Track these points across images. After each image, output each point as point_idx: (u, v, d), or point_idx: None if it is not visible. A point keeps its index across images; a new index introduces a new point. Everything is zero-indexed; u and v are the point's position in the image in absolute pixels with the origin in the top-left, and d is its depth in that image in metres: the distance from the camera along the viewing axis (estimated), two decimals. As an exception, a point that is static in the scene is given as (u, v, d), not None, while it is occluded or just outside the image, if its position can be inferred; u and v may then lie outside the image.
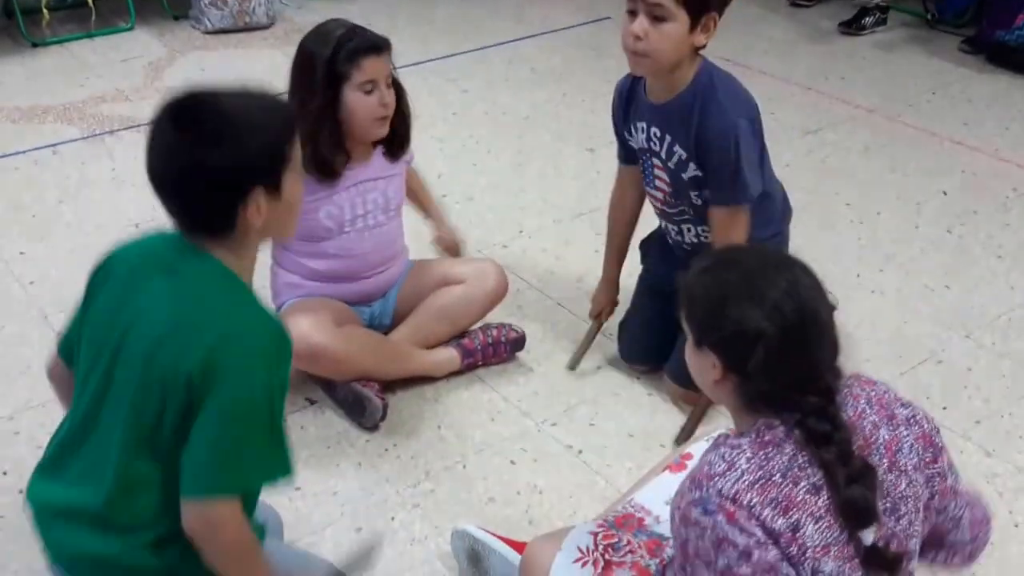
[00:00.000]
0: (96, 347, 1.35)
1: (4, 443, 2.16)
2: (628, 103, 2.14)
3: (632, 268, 2.44)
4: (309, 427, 2.21)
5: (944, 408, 2.32)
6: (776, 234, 2.22)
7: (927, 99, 3.95)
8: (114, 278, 1.38)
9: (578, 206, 3.13)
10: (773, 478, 1.18)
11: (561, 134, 3.56)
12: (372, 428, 2.19)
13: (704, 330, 1.26)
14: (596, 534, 1.56)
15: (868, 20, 4.54)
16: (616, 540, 1.54)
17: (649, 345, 2.36)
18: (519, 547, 1.72)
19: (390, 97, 2.09)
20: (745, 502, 1.16)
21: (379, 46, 2.07)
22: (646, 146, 2.10)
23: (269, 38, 4.37)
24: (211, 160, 1.26)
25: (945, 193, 3.27)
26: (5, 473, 2.08)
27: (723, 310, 1.23)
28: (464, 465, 2.12)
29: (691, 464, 1.53)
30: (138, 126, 3.50)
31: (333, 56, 2.02)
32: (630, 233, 2.37)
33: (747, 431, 1.24)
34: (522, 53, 4.28)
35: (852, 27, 4.55)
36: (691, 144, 2.00)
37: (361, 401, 2.19)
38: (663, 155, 2.06)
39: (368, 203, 2.21)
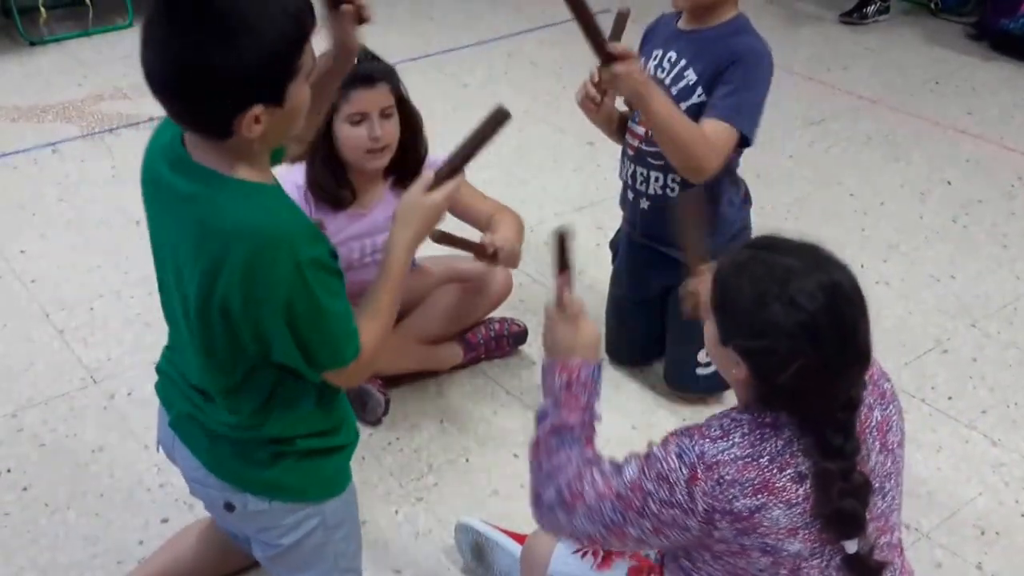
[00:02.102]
0: (165, 269, 1.39)
1: (7, 440, 2.15)
2: (648, 36, 2.13)
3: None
4: (312, 422, 2.21)
5: (950, 398, 2.31)
6: (743, 229, 2.19)
7: (930, 88, 3.93)
8: (150, 201, 1.39)
9: (579, 199, 3.13)
10: (760, 460, 1.17)
11: (561, 127, 3.54)
12: (375, 423, 2.18)
13: (733, 332, 1.20)
14: (595, 524, 1.55)
15: (870, 9, 4.52)
16: (616, 530, 1.53)
17: (634, 348, 2.37)
18: (523, 540, 1.71)
19: (383, 129, 1.97)
20: (716, 475, 1.16)
21: (371, 77, 1.93)
22: (651, 74, 2.05)
23: (269, 34, 4.36)
24: (207, 66, 1.13)
25: (949, 182, 3.26)
26: (9, 470, 2.07)
27: (757, 319, 1.15)
28: (467, 459, 2.11)
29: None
30: (137, 124, 3.50)
31: None
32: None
33: (751, 408, 1.22)
34: (522, 47, 4.27)
35: (853, 16, 4.53)
36: (711, 64, 1.96)
37: (363, 396, 2.18)
38: (668, 81, 2.02)
39: (379, 246, 2.10)
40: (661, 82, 2.04)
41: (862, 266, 2.80)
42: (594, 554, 1.51)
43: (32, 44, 4.19)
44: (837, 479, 1.16)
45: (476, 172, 3.60)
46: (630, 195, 2.21)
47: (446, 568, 1.86)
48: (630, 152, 2.15)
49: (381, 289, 1.42)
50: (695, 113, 1.99)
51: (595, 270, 2.71)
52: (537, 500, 1.32)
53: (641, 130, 2.11)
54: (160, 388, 1.54)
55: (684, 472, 1.17)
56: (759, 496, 1.16)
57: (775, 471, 1.17)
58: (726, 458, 1.17)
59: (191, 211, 1.27)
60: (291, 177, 2.01)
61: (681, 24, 2.07)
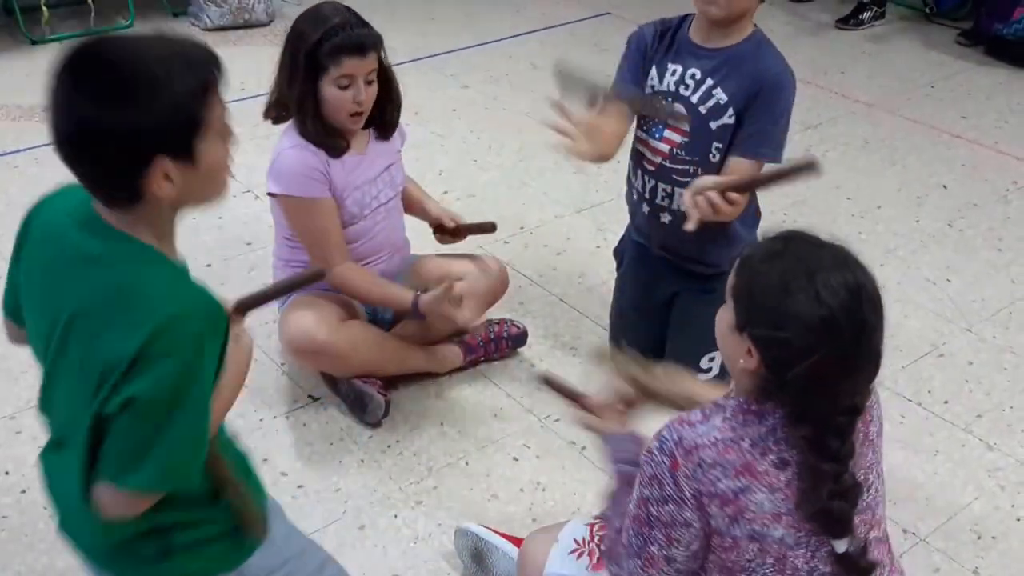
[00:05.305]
0: (41, 339, 1.26)
1: (6, 442, 2.15)
2: (657, 46, 2.07)
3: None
4: (311, 424, 2.21)
5: (945, 402, 2.33)
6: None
7: (926, 93, 3.95)
8: (34, 259, 1.29)
9: (579, 201, 3.13)
10: (741, 443, 1.19)
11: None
12: (375, 425, 2.19)
13: (751, 320, 1.19)
14: (592, 525, 1.56)
15: (866, 15, 4.54)
16: (612, 531, 1.54)
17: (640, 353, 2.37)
18: (521, 544, 1.72)
19: (367, 94, 2.05)
20: (696, 459, 1.19)
21: (364, 47, 2.02)
22: (672, 90, 2.00)
23: (268, 35, 4.35)
24: (104, 121, 1.09)
25: (945, 186, 3.27)
26: (7, 473, 2.08)
27: (779, 309, 1.15)
28: (467, 462, 2.12)
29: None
30: (137, 124, 3.49)
31: (317, 46, 2.00)
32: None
33: (739, 395, 1.23)
34: (522, 48, 4.28)
35: (850, 22, 4.54)
36: (742, 87, 1.95)
37: (363, 398, 2.19)
38: (695, 99, 1.99)
39: (380, 184, 2.22)
40: (685, 99, 1.99)
41: (859, 270, 2.81)
42: (590, 555, 1.52)
43: (34, 43, 4.19)
44: (829, 480, 1.17)
45: (477, 173, 3.61)
46: (646, 208, 2.15)
47: (445, 573, 1.87)
48: (650, 167, 2.09)
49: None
50: (725, 133, 1.99)
51: (594, 272, 2.72)
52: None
53: (664, 147, 2.04)
54: (46, 486, 1.39)
55: (666, 462, 1.20)
56: (741, 479, 1.18)
57: (757, 455, 1.19)
58: (705, 441, 1.19)
59: (104, 274, 1.18)
60: (287, 141, 2.10)
61: (697, 39, 2.01)
